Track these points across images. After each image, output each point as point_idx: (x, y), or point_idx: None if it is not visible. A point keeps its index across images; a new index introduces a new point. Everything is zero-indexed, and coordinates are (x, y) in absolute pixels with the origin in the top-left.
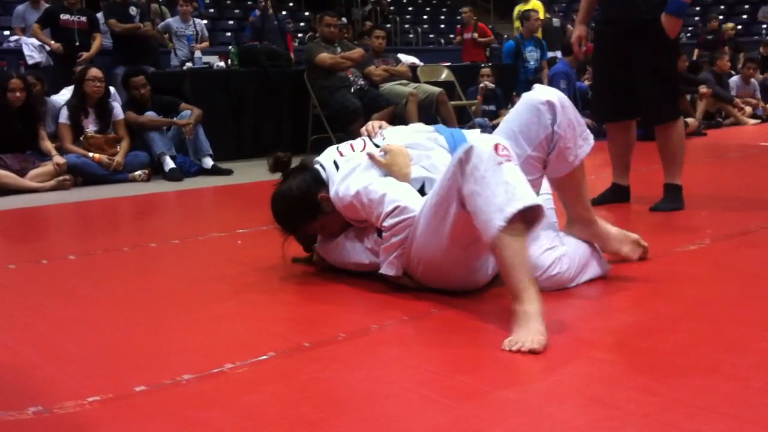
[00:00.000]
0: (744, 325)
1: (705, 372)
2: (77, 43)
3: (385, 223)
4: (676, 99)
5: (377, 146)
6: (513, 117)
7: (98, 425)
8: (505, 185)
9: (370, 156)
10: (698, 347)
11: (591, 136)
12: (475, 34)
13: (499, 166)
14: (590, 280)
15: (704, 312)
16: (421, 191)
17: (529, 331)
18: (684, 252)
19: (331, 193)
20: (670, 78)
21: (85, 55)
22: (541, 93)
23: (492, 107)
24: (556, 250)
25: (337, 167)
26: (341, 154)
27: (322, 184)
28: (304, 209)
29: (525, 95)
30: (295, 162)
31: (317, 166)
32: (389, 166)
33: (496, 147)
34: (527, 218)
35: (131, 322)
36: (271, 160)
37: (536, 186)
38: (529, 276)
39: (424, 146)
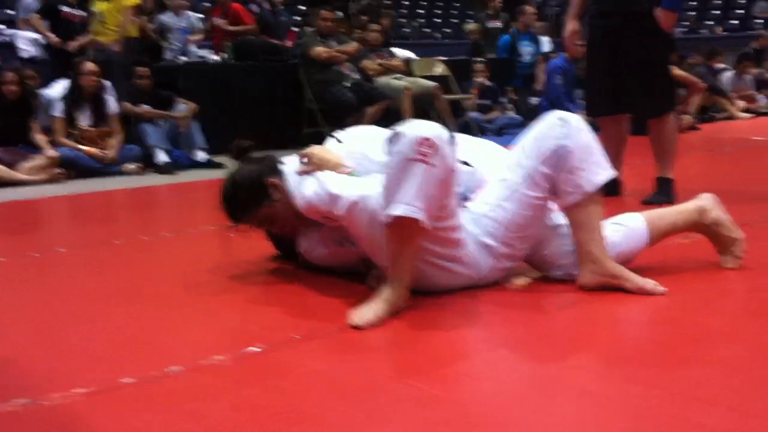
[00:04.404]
0: (746, 317)
1: (706, 364)
2: (75, 36)
3: (337, 213)
4: (670, 92)
5: (339, 141)
6: (530, 130)
7: (85, 417)
8: (403, 186)
9: (300, 172)
10: (699, 340)
11: (610, 169)
12: (221, 21)
13: (411, 163)
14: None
15: (700, 304)
16: None
17: (371, 310)
18: (677, 245)
19: (291, 190)
20: (665, 71)
21: (73, 43)
22: (561, 112)
23: (487, 102)
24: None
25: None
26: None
27: (276, 172)
28: (250, 193)
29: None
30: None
31: (280, 164)
32: (321, 166)
33: (420, 141)
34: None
35: (120, 315)
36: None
37: (540, 209)
38: (405, 271)
39: (371, 157)
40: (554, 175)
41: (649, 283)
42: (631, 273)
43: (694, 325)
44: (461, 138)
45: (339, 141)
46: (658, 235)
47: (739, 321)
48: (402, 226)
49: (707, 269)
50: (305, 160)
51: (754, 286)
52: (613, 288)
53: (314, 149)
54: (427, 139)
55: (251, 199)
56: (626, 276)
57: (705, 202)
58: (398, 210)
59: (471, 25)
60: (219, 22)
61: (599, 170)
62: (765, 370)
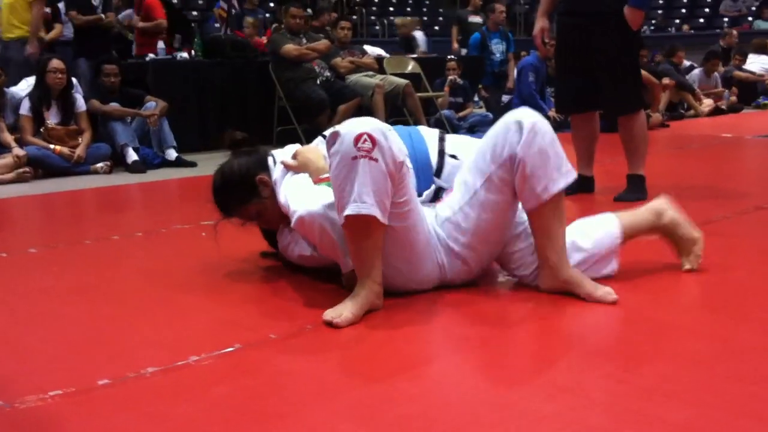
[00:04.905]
0: (708, 313)
1: (670, 359)
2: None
3: (292, 226)
4: (638, 90)
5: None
6: (491, 130)
7: (61, 419)
8: (349, 186)
9: (284, 164)
10: (663, 335)
11: (571, 173)
12: (137, 17)
13: (354, 161)
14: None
15: (669, 301)
16: None
17: (345, 307)
18: (647, 242)
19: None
20: (632, 69)
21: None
22: (519, 113)
23: (459, 99)
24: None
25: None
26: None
27: (265, 168)
28: (239, 188)
29: (508, 113)
30: None
31: (269, 158)
32: (304, 166)
33: (358, 137)
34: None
35: (94, 316)
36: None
37: (503, 212)
38: (371, 267)
39: None
40: (511, 180)
41: (599, 291)
42: (586, 280)
43: (658, 321)
44: (453, 137)
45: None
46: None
47: (702, 317)
48: (357, 224)
49: (671, 267)
50: (293, 156)
51: (715, 282)
52: (568, 293)
53: (304, 149)
54: (365, 134)
55: (240, 195)
56: (579, 283)
57: (659, 204)
58: (349, 210)
59: (398, 20)
60: (135, 19)
61: (557, 176)
62: (726, 365)
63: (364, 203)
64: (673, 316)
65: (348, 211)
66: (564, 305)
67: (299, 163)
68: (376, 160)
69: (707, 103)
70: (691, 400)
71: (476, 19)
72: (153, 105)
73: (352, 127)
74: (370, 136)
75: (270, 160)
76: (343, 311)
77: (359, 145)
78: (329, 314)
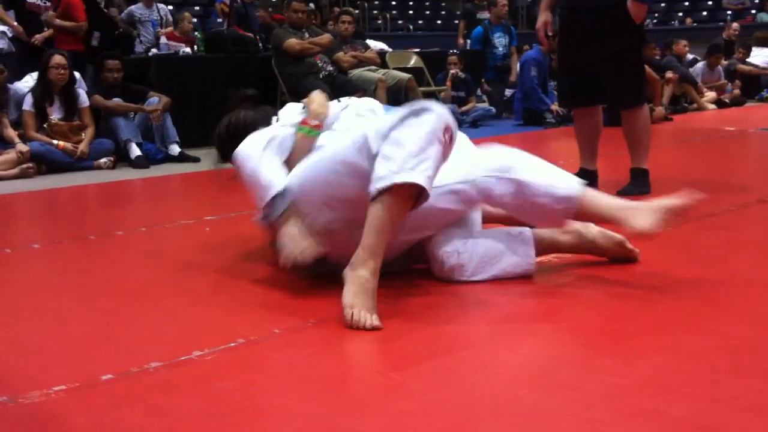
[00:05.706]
0: (708, 307)
1: (670, 353)
2: (45, 28)
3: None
4: (641, 84)
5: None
6: (490, 148)
7: (65, 414)
8: (423, 158)
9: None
10: (663, 329)
11: (419, 178)
12: (52, 13)
13: (435, 142)
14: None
15: (669, 294)
16: None
17: (363, 305)
18: (646, 241)
19: None
20: (635, 63)
21: (39, 36)
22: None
23: (461, 93)
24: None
25: None
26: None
27: (269, 124)
28: (242, 136)
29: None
30: None
31: (273, 117)
32: (310, 102)
33: (446, 128)
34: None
35: (97, 311)
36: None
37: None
38: (383, 248)
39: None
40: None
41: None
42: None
43: (657, 315)
44: None
45: (341, 103)
46: (541, 249)
47: (702, 311)
48: (410, 197)
49: (670, 263)
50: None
51: (717, 275)
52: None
53: (316, 94)
54: (451, 129)
55: (241, 142)
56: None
57: (578, 225)
58: (422, 178)
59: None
60: (50, 15)
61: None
62: (725, 359)
63: (432, 185)
64: (672, 309)
65: (421, 180)
66: (563, 301)
67: (310, 99)
68: (446, 156)
69: (710, 97)
70: (690, 394)
71: (485, 14)
72: (156, 100)
73: (445, 114)
74: (453, 133)
75: (274, 120)
76: (366, 313)
77: (445, 134)
78: (363, 321)
